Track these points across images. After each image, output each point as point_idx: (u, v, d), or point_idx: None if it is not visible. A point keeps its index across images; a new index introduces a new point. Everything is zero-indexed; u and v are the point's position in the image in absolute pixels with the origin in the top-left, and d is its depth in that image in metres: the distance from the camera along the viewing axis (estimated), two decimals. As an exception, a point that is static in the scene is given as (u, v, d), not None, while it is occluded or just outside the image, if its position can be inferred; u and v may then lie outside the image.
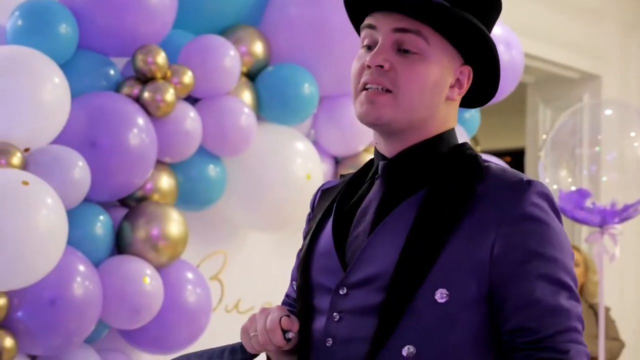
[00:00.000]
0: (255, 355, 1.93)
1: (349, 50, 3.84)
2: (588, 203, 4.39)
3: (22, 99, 3.21)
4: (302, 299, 1.96)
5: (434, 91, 1.84)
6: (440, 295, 1.76)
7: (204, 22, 3.77)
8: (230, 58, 3.65)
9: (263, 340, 1.84)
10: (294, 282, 2.10)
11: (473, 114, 4.49)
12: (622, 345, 5.84)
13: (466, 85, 1.89)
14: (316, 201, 2.11)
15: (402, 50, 1.82)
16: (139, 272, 3.38)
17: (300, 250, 2.06)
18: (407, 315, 1.77)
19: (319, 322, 1.88)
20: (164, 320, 3.46)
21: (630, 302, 6.25)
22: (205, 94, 3.68)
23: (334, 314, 1.85)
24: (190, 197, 3.71)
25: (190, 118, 3.58)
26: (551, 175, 4.53)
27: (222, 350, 2.03)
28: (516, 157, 7.40)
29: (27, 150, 3.24)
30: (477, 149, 6.40)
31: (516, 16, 5.81)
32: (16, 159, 3.16)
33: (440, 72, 1.84)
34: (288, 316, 1.85)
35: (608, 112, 4.67)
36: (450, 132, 1.91)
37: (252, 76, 3.88)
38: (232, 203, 3.87)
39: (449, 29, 1.84)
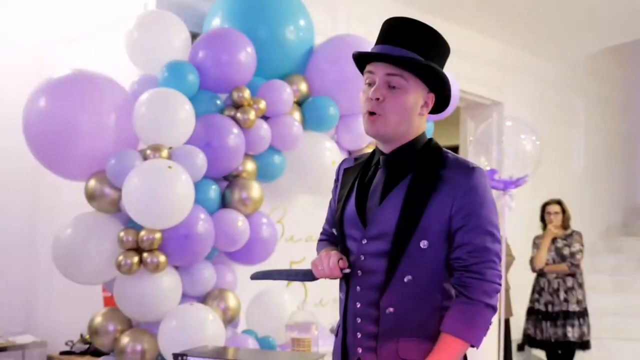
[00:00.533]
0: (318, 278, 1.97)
1: (357, 87, 4.04)
2: (496, 177, 4.56)
3: (168, 119, 3.28)
4: (341, 244, 1.98)
5: (411, 112, 1.87)
6: (423, 244, 1.83)
7: (271, 72, 3.82)
8: (287, 93, 3.74)
9: (327, 273, 1.90)
10: (328, 227, 2.17)
11: (430, 124, 4.48)
12: (513, 258, 6.00)
13: (431, 105, 1.92)
14: (340, 174, 2.08)
15: (390, 87, 1.85)
16: (235, 218, 3.48)
17: (332, 202, 2.13)
18: (404, 257, 1.83)
19: (352, 259, 1.92)
20: (249, 246, 3.56)
21: (519, 234, 6.35)
22: (273, 114, 3.74)
23: (360, 255, 1.90)
24: (264, 174, 3.77)
25: (264, 129, 3.65)
26: (475, 161, 4.71)
27: (296, 272, 2.11)
28: (454, 151, 7.52)
29: (170, 148, 3.33)
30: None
31: (455, 67, 6.01)
32: (164, 153, 3.27)
33: (414, 99, 1.87)
34: (342, 259, 1.90)
35: (508, 123, 4.80)
36: (423, 135, 1.93)
37: (300, 103, 3.94)
38: (289, 178, 3.93)
39: (420, 73, 1.86)
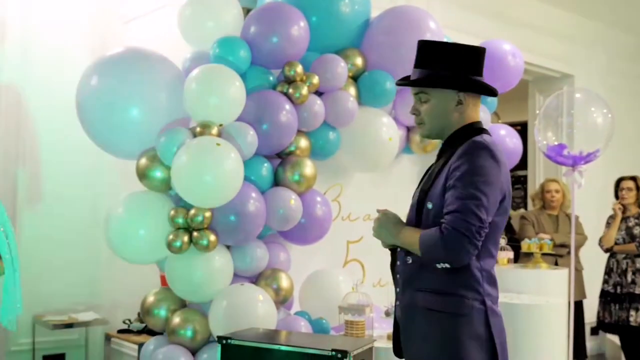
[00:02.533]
0: None
1: (412, 59, 3.87)
2: (565, 152, 4.29)
3: (218, 95, 3.17)
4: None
5: (442, 114, 2.20)
6: (429, 205, 2.13)
7: (325, 46, 3.69)
8: (341, 67, 3.59)
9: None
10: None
11: (493, 99, 4.23)
12: (585, 238, 5.68)
13: (467, 100, 2.20)
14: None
15: (420, 101, 2.23)
16: (288, 196, 3.36)
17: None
18: (421, 216, 2.16)
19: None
20: (303, 225, 3.45)
21: (591, 212, 6.07)
22: (326, 89, 3.61)
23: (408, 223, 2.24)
24: (318, 152, 3.66)
25: (317, 104, 3.53)
26: (542, 135, 4.42)
27: None
28: (523, 127, 7.18)
29: (221, 125, 3.23)
30: (498, 120, 6.30)
31: (522, 38, 5.71)
32: (214, 130, 3.17)
33: (442, 104, 2.19)
34: None
35: (578, 95, 4.50)
36: (468, 125, 2.20)
37: (355, 78, 3.80)
38: (344, 155, 3.81)
39: (434, 84, 2.18)
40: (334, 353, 2.48)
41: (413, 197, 2.28)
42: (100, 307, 4.60)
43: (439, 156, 2.25)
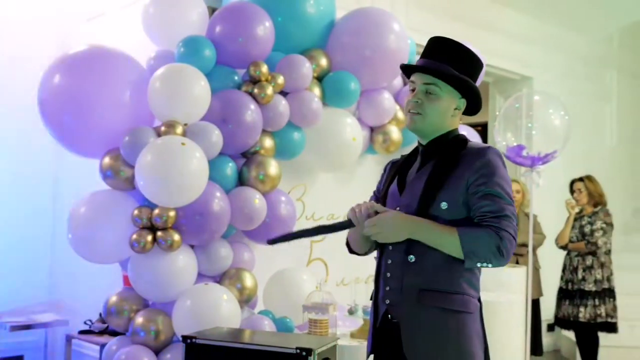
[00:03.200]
0: (354, 226, 2.17)
1: (379, 61, 3.93)
2: (524, 153, 4.37)
3: (183, 95, 3.17)
4: None
5: (444, 113, 2.17)
6: (444, 205, 2.09)
7: (290, 46, 3.69)
8: (306, 68, 3.61)
9: (363, 212, 2.13)
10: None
11: None
12: (543, 237, 5.82)
13: (463, 108, 2.22)
14: (387, 168, 2.40)
15: (427, 93, 2.15)
16: (252, 196, 3.36)
17: (377, 189, 2.41)
18: (429, 216, 2.10)
19: None
20: (267, 224, 3.45)
21: (549, 211, 6.20)
22: (291, 89, 3.62)
23: None
24: (283, 151, 3.66)
25: (282, 104, 3.53)
26: (502, 136, 4.50)
27: (332, 225, 2.24)
28: (483, 127, 7.33)
29: (185, 124, 3.23)
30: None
31: (483, 40, 5.82)
32: (179, 129, 3.18)
33: (447, 104, 2.16)
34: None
35: (536, 97, 4.59)
36: (453, 131, 2.21)
37: (320, 79, 3.81)
38: (309, 155, 3.83)
39: (451, 82, 2.14)
40: (298, 351, 2.50)
41: (389, 184, 2.28)
42: (60, 308, 4.55)
43: (426, 158, 2.22)
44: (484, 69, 2.39)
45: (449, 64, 2.15)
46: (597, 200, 5.73)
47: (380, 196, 2.31)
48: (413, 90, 2.20)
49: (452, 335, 2.07)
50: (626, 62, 8.40)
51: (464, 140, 2.20)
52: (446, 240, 2.05)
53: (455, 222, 2.08)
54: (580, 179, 5.78)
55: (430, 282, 2.09)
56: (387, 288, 2.17)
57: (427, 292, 2.09)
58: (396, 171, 2.31)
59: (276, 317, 3.50)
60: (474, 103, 2.22)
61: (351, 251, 2.39)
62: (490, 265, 2.03)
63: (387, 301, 2.16)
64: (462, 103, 2.20)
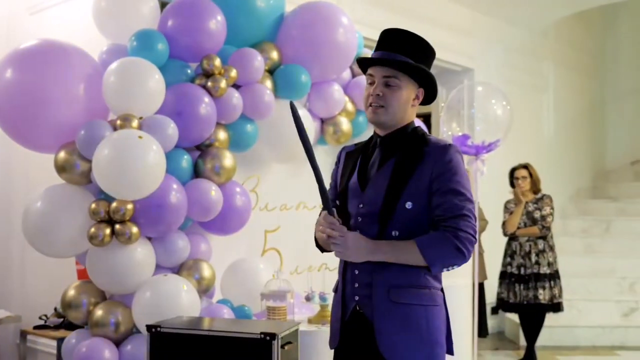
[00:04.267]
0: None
1: (328, 54, 4.03)
2: (469, 142, 4.55)
3: (137, 88, 3.20)
4: (342, 210, 2.31)
5: (405, 104, 2.23)
6: (408, 205, 2.16)
7: (242, 40, 3.73)
8: (258, 61, 3.65)
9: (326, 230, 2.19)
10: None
11: None
12: (486, 222, 6.03)
13: (421, 98, 2.29)
14: (342, 157, 2.44)
15: (388, 85, 2.21)
16: (208, 188, 3.40)
17: (331, 181, 2.47)
18: (393, 216, 2.18)
19: (352, 222, 2.27)
20: (223, 215, 3.49)
21: (491, 198, 6.41)
22: (244, 82, 3.66)
23: (358, 217, 2.25)
24: (237, 143, 3.70)
25: (235, 97, 3.57)
26: (447, 126, 4.67)
27: (323, 194, 2.21)
28: (426, 117, 7.52)
29: (141, 118, 3.26)
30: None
31: (425, 33, 5.94)
32: (135, 123, 3.20)
33: (407, 94, 2.23)
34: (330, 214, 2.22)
35: (479, 88, 4.78)
36: (412, 122, 2.29)
37: (271, 71, 3.85)
38: (262, 146, 3.88)
39: (411, 73, 2.22)
40: (262, 336, 2.59)
41: (347, 178, 2.32)
42: (11, 304, 4.51)
43: (387, 154, 2.26)
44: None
45: (405, 54, 2.20)
46: (537, 187, 5.96)
47: (340, 190, 2.34)
48: (371, 83, 2.25)
49: (423, 329, 2.16)
50: (562, 54, 8.75)
51: (424, 134, 2.26)
52: (408, 256, 2.11)
53: (418, 222, 2.15)
54: (524, 167, 5.92)
55: (399, 278, 2.16)
56: (356, 285, 2.23)
57: (397, 289, 2.16)
58: (355, 163, 2.34)
59: (234, 305, 3.57)
60: (431, 91, 2.29)
61: (321, 249, 2.43)
62: (456, 266, 2.13)
63: (357, 297, 2.23)
64: (421, 92, 2.26)
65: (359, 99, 4.23)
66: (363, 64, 2.31)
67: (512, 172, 5.98)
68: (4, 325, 4.39)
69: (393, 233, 2.18)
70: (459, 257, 2.09)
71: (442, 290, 2.25)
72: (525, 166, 5.93)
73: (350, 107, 4.23)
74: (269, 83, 3.82)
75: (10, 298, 4.61)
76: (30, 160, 3.89)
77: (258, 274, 3.72)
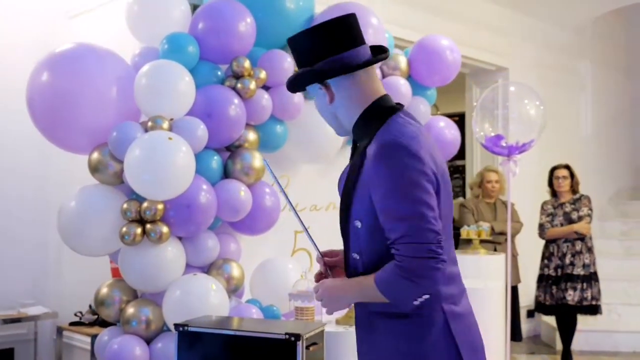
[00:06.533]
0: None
1: None
2: (502, 143, 4.50)
3: (168, 90, 3.26)
4: None
5: (326, 108, 1.92)
6: (357, 224, 1.82)
7: (271, 41, 3.76)
8: (287, 63, 3.69)
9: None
10: None
11: (432, 92, 4.49)
12: (521, 225, 5.95)
13: (334, 87, 1.86)
14: None
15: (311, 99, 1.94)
16: (237, 188, 3.45)
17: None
18: (349, 236, 1.87)
19: None
20: (252, 216, 3.53)
21: (526, 199, 6.34)
22: (274, 84, 3.69)
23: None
24: (266, 144, 3.75)
25: (265, 99, 3.61)
26: (480, 127, 4.63)
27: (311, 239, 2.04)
28: (461, 117, 7.44)
29: (171, 119, 3.31)
30: (437, 112, 6.53)
31: (460, 32, 5.95)
32: (165, 124, 3.25)
33: (318, 99, 1.92)
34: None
35: (512, 88, 4.72)
36: (368, 109, 1.86)
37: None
38: (291, 147, 3.92)
39: (301, 84, 1.91)
40: (287, 336, 2.61)
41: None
42: (49, 301, 4.63)
43: (352, 152, 1.95)
44: (385, 42, 1.95)
45: (301, 65, 1.89)
46: (575, 188, 5.87)
47: None
48: None
49: (410, 351, 1.81)
50: (599, 52, 8.59)
51: (371, 123, 1.83)
52: (376, 294, 1.76)
53: (376, 241, 1.80)
54: (565, 166, 5.84)
55: (377, 306, 1.84)
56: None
57: (376, 315, 1.86)
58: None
59: (263, 305, 3.60)
60: (349, 69, 1.83)
61: None
62: (423, 296, 1.74)
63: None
64: (326, 85, 1.86)
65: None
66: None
67: (552, 171, 5.91)
68: (42, 321, 4.52)
69: (354, 255, 1.87)
70: (418, 286, 1.70)
71: (442, 309, 1.82)
72: (567, 166, 5.86)
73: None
74: (299, 84, 3.82)
75: (47, 295, 4.72)
76: (66, 160, 3.97)
77: (287, 274, 3.75)
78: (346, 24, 1.86)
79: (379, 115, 1.84)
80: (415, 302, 1.74)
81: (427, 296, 1.74)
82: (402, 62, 4.38)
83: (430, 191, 1.74)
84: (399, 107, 1.89)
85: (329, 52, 1.84)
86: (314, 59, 1.85)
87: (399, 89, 4.25)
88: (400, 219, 1.70)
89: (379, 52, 1.94)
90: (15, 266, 4.62)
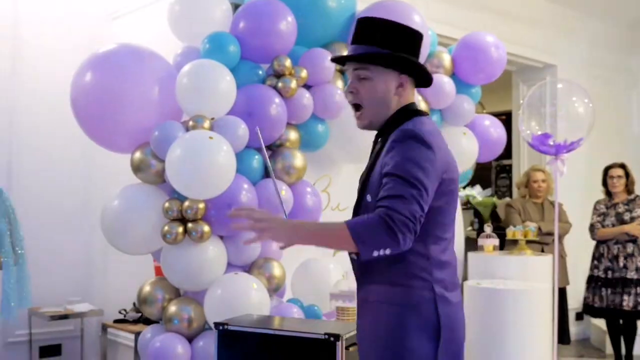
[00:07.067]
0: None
1: None
2: (550, 142, 4.38)
3: (209, 90, 3.27)
4: None
5: (383, 96, 2.04)
6: (368, 198, 1.98)
7: (312, 40, 3.76)
8: (328, 61, 3.64)
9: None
10: None
11: (477, 89, 4.42)
12: (569, 225, 5.79)
13: (408, 84, 2.06)
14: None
15: (360, 79, 2.05)
16: (279, 188, 3.41)
17: None
18: (360, 211, 2.03)
19: None
20: (294, 215, 3.49)
21: (575, 199, 6.18)
22: (315, 83, 3.70)
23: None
24: (308, 143, 3.74)
25: (306, 98, 3.61)
26: (526, 125, 4.52)
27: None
28: (507, 116, 7.29)
29: (212, 119, 3.33)
30: (483, 110, 6.41)
31: (505, 29, 5.83)
32: (206, 123, 3.27)
33: (384, 85, 2.03)
34: None
35: (560, 86, 4.59)
36: (401, 109, 2.05)
37: (342, 72, 3.84)
38: (333, 146, 3.90)
39: (379, 61, 2.02)
40: (326, 336, 2.58)
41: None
42: (95, 299, 4.70)
43: (374, 143, 2.13)
44: (428, 39, 2.24)
45: (374, 44, 2.02)
46: (630, 188, 5.69)
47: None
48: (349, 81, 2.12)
49: (387, 330, 1.94)
50: (651, 48, 8.32)
51: (401, 120, 2.02)
52: (333, 234, 1.89)
53: None
54: (621, 166, 5.66)
55: (376, 277, 1.99)
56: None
57: (373, 286, 2.00)
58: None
59: (304, 305, 3.58)
60: (420, 75, 2.09)
61: None
62: (387, 250, 1.83)
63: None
64: (404, 79, 2.05)
65: (432, 97, 4.18)
66: (336, 62, 2.22)
67: (607, 170, 5.74)
68: (88, 318, 4.59)
69: None
70: (391, 238, 1.80)
71: (432, 289, 1.95)
72: (622, 165, 5.67)
73: (423, 105, 4.16)
74: (340, 83, 3.82)
75: (93, 292, 4.80)
76: (109, 161, 4.02)
77: (328, 273, 3.73)
78: (421, 38, 2.10)
79: (408, 114, 2.05)
80: (375, 253, 1.84)
81: (387, 251, 1.84)
82: (446, 59, 4.31)
83: (432, 179, 1.91)
84: (426, 113, 2.13)
85: (407, 50, 2.04)
86: (390, 46, 2.02)
87: (443, 87, 4.19)
88: (400, 182, 1.85)
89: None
90: (63, 264, 4.71)
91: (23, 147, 4.67)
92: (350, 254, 2.06)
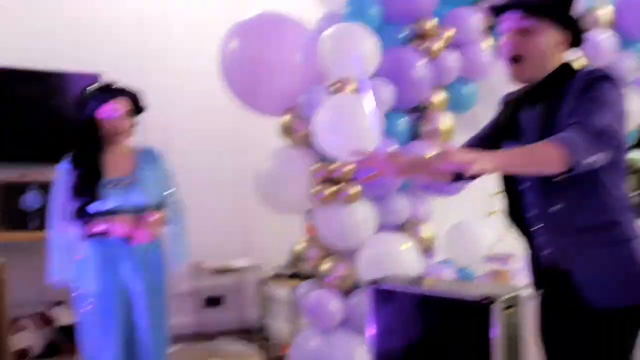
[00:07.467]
0: None
1: None
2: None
3: (352, 53, 3.20)
4: None
5: (547, 51, 1.97)
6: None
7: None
8: (475, 20, 3.55)
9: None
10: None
11: None
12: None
13: (568, 41, 2.00)
14: (503, 103, 2.24)
15: (525, 31, 1.95)
16: (426, 150, 3.31)
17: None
18: None
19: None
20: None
21: None
22: (461, 42, 3.57)
23: None
24: (456, 105, 3.63)
25: (452, 59, 3.51)
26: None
27: None
28: None
29: (357, 82, 3.22)
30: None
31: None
32: (351, 86, 3.21)
33: (548, 40, 1.96)
34: None
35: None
36: (561, 66, 2.00)
37: (492, 27, 3.58)
38: (483, 108, 3.62)
39: (550, 15, 1.95)
40: (482, 299, 2.50)
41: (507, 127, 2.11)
42: (253, 254, 4.91)
43: (535, 101, 2.03)
44: None
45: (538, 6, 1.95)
46: None
47: (485, 136, 2.23)
48: (507, 32, 2.01)
49: (623, 266, 1.94)
50: None
51: (571, 69, 1.98)
52: (538, 147, 1.81)
53: None
54: None
55: (582, 222, 1.95)
56: (543, 239, 2.06)
57: (585, 234, 1.96)
58: (508, 111, 2.15)
59: (457, 267, 3.53)
60: (576, 34, 2.01)
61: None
62: (595, 158, 1.79)
63: (545, 252, 2.07)
64: (568, 35, 2.00)
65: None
66: (498, 10, 2.06)
67: None
68: (246, 273, 4.82)
69: (553, 180, 1.91)
70: (598, 145, 1.78)
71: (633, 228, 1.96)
72: None
73: (583, 62, 3.87)
74: (488, 42, 3.65)
75: (251, 249, 5.02)
76: (259, 123, 4.12)
77: (482, 236, 3.64)
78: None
79: (572, 71, 1.99)
80: (586, 161, 1.77)
81: (595, 160, 1.79)
82: (607, 12, 3.98)
83: (622, 122, 1.89)
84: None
85: (569, 7, 2.01)
86: (564, 4, 1.99)
87: (601, 43, 3.89)
88: (599, 112, 1.82)
89: None
90: (223, 222, 4.95)
91: (178, 114, 4.90)
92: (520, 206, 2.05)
